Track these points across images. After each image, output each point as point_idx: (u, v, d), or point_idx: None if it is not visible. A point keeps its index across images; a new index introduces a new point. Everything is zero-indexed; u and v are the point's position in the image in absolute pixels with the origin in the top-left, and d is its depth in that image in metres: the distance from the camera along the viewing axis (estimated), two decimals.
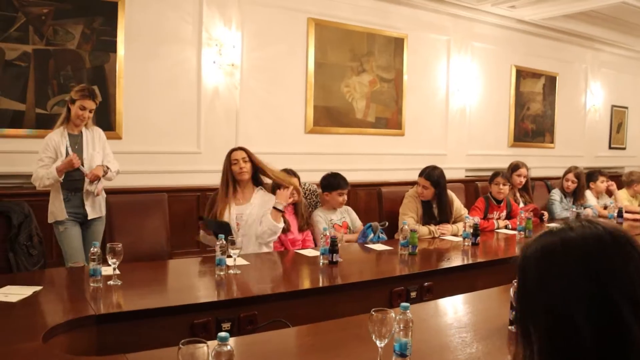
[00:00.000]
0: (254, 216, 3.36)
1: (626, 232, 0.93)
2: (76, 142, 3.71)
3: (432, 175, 4.00)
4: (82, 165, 3.64)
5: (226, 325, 2.29)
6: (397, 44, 6.30)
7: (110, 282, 2.51)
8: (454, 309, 2.44)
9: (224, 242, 2.73)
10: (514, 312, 1.04)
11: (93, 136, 3.81)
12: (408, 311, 1.74)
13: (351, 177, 4.64)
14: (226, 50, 5.18)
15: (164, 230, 3.57)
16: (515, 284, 0.99)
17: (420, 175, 4.03)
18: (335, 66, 5.86)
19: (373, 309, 1.70)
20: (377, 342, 1.72)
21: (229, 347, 1.44)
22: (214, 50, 5.15)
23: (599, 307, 0.87)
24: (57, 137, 3.66)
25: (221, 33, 5.17)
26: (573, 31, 7.89)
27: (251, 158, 3.47)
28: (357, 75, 6.02)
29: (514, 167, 5.00)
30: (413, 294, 2.87)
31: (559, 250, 0.92)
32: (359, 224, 4.05)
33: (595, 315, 0.86)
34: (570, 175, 5.22)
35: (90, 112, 3.70)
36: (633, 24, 7.83)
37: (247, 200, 3.40)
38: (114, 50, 4.72)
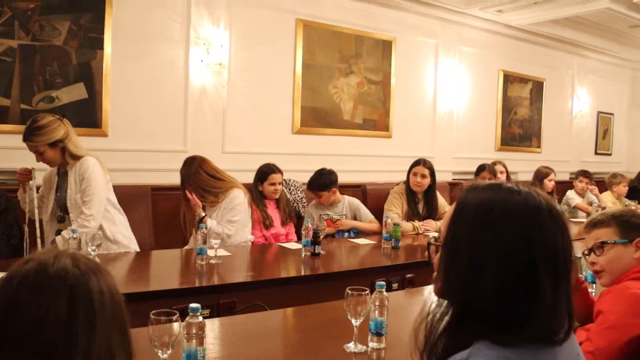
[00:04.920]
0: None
1: (560, 209, 1.04)
2: (63, 182, 3.18)
3: (430, 164, 4.05)
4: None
5: (205, 312, 2.28)
6: (385, 47, 6.34)
7: None
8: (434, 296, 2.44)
9: (205, 231, 2.73)
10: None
11: (75, 177, 3.12)
12: (384, 290, 1.75)
13: (338, 178, 4.67)
14: (214, 50, 5.19)
15: (147, 223, 3.58)
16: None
17: (417, 164, 4.04)
18: (323, 67, 5.88)
19: (348, 287, 1.71)
20: (353, 321, 1.73)
21: (200, 319, 1.44)
22: (201, 49, 5.15)
23: (521, 267, 0.94)
24: (49, 173, 3.26)
25: (209, 32, 5.17)
26: (560, 37, 7.97)
27: None
28: (345, 77, 6.04)
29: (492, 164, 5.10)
30: (395, 286, 2.87)
31: (498, 210, 0.98)
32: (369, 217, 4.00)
33: (511, 273, 0.94)
34: (553, 175, 5.26)
35: (40, 154, 3.00)
36: (618, 30, 7.94)
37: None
38: (101, 47, 4.70)
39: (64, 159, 3.06)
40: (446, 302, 1.01)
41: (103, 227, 3.07)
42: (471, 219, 0.99)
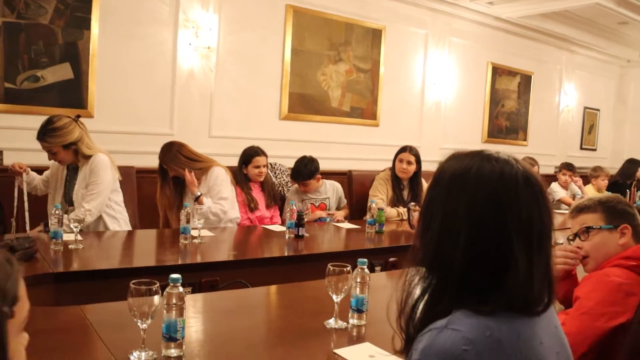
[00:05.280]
0: None
1: (539, 179, 1.00)
2: (72, 177, 3.20)
3: (416, 151, 4.08)
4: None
5: (187, 289, 2.28)
6: (374, 35, 6.33)
7: (72, 246, 2.48)
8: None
9: (189, 210, 2.73)
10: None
11: (85, 174, 3.12)
12: (365, 266, 1.76)
13: (324, 165, 4.67)
14: (203, 33, 5.15)
15: (132, 205, 3.56)
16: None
17: (404, 151, 4.06)
18: (312, 54, 5.86)
19: (330, 264, 1.72)
20: (334, 297, 1.74)
21: (180, 289, 1.44)
22: (190, 32, 5.11)
23: (493, 235, 0.95)
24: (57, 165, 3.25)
25: (198, 15, 5.13)
26: (549, 31, 8.00)
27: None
28: (334, 64, 6.03)
29: None
30: (378, 269, 2.88)
31: (472, 176, 0.98)
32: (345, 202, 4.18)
33: (482, 241, 0.94)
34: (536, 168, 5.32)
35: (53, 154, 3.05)
36: (607, 26, 7.98)
37: None
38: (88, 28, 4.65)
39: (76, 159, 3.11)
40: (424, 269, 1.01)
41: (105, 223, 3.13)
42: (446, 184, 0.99)
